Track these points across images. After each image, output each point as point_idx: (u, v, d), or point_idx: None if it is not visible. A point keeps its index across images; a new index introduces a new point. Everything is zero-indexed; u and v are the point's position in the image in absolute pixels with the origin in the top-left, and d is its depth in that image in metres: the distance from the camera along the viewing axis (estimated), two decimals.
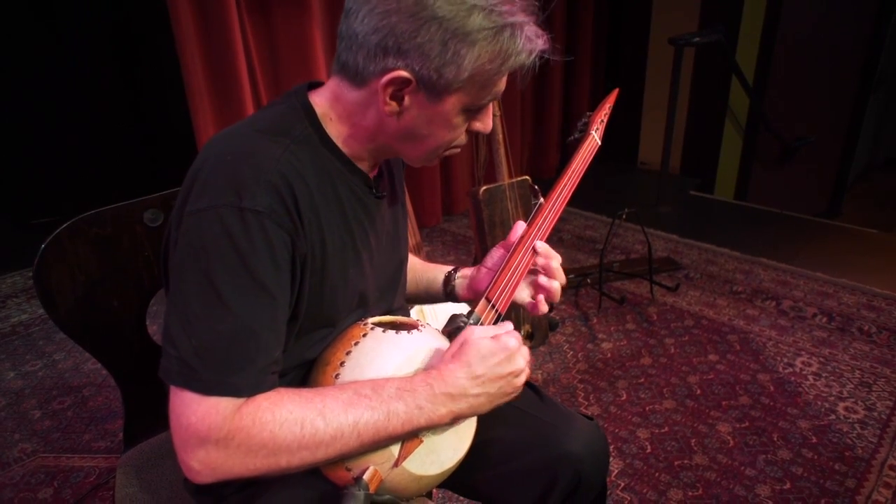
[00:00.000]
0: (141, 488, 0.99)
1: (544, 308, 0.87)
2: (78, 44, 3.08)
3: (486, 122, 0.78)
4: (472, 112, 0.75)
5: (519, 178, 1.94)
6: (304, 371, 0.80)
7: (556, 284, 0.86)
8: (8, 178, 3.11)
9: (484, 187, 1.87)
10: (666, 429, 1.74)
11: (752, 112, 3.45)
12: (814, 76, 3.33)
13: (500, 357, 0.72)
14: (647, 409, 1.82)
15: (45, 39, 2.99)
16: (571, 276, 2.51)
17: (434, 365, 0.74)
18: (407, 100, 0.70)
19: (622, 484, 1.56)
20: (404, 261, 0.96)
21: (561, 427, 0.87)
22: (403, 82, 0.68)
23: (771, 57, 3.33)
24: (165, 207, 1.06)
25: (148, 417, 1.12)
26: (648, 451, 1.66)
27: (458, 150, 0.80)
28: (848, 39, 3.26)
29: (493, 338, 0.74)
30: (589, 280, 2.47)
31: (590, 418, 0.91)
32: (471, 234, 3.01)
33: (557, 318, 2.27)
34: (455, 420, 0.72)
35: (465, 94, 0.71)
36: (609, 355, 2.07)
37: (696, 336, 2.16)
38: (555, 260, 0.87)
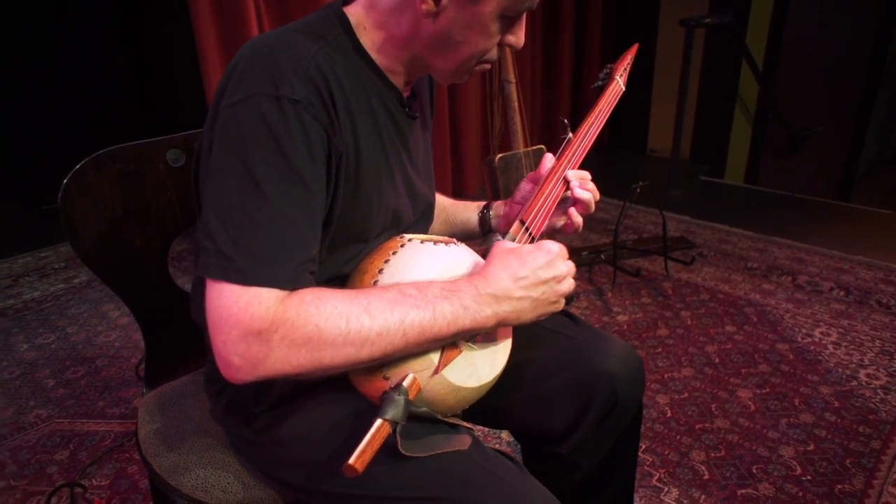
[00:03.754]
0: (164, 424, 0.97)
1: (579, 221, 0.85)
2: (89, 29, 3.10)
3: (520, 37, 0.77)
4: (507, 20, 0.73)
5: (534, 147, 1.94)
6: (339, 285, 0.79)
7: (589, 195, 0.85)
8: (18, 164, 3.12)
9: (500, 155, 1.87)
10: (685, 395, 1.72)
11: (761, 99, 3.44)
12: (822, 66, 3.32)
13: (541, 260, 0.71)
14: (666, 376, 1.80)
15: (56, 25, 3.00)
16: (585, 253, 2.49)
17: (475, 272, 0.73)
18: None
19: (644, 446, 1.53)
20: (434, 192, 0.95)
21: (596, 347, 0.85)
22: None
23: (780, 44, 3.33)
24: (188, 148, 1.05)
25: (169, 360, 1.11)
26: (669, 415, 1.64)
27: (488, 66, 0.79)
28: (857, 31, 3.25)
29: (535, 245, 0.73)
30: (603, 256, 2.46)
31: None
32: None
33: (572, 292, 2.26)
34: (500, 324, 0.71)
35: None
36: (625, 327, 2.05)
37: (713, 309, 2.14)
38: (587, 179, 0.86)
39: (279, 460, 0.80)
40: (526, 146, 1.92)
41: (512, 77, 1.88)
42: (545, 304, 0.72)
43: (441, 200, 1.04)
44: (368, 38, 0.75)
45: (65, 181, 0.95)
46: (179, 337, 1.11)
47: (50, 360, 1.94)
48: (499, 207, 0.98)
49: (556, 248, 0.73)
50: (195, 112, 2.16)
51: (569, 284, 0.74)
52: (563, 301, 0.74)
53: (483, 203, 1.01)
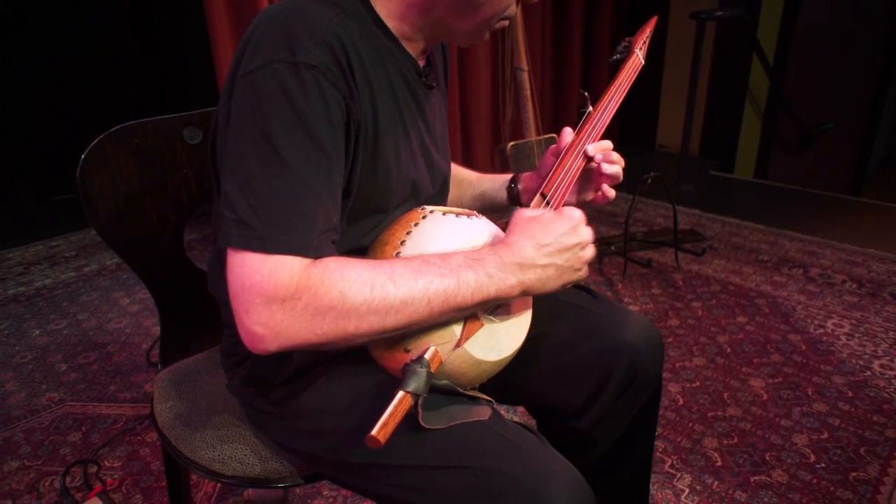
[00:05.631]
0: (180, 399, 0.97)
1: (611, 194, 0.87)
2: (99, 17, 3.11)
3: None
4: None
5: (546, 136, 1.93)
6: (359, 256, 0.78)
7: (617, 168, 0.84)
8: (29, 154, 3.13)
9: (511, 143, 1.86)
10: (697, 383, 1.71)
11: (771, 95, 3.42)
12: (834, 61, 3.30)
13: (565, 227, 0.71)
14: (678, 365, 1.79)
15: (64, 14, 3.01)
16: (594, 243, 2.48)
17: (497, 241, 0.72)
18: None
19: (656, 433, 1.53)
20: (450, 166, 0.95)
21: (615, 319, 0.85)
22: None
23: (791, 38, 3.30)
24: (204, 126, 1.06)
25: (183, 336, 1.11)
26: (681, 403, 1.64)
27: (507, 22, 0.79)
28: (868, 27, 3.22)
29: (556, 210, 0.72)
30: (613, 248, 2.45)
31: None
32: None
33: (581, 282, 2.25)
34: (524, 293, 0.70)
35: None
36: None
37: (724, 300, 2.13)
38: (610, 150, 0.86)
39: (298, 432, 0.80)
40: (538, 134, 1.91)
41: (524, 65, 1.87)
42: (570, 271, 0.72)
43: (466, 174, 1.03)
44: (385, 6, 0.75)
45: (83, 155, 0.95)
46: (193, 313, 1.11)
47: (62, 346, 1.95)
48: (527, 180, 0.97)
49: (578, 214, 0.72)
50: (206, 96, 2.17)
51: (591, 250, 0.73)
52: (587, 269, 0.73)
53: (510, 176, 1.00)
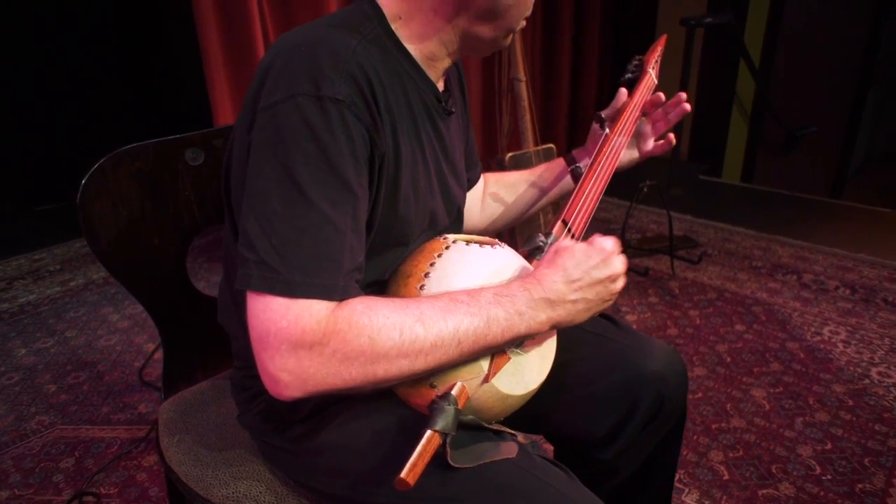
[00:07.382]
0: (188, 432, 0.94)
1: (673, 139, 0.98)
2: (87, 28, 3.04)
3: None
4: None
5: (544, 147, 1.92)
6: (378, 291, 0.76)
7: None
8: (12, 164, 3.05)
9: (510, 154, 1.85)
10: (700, 394, 1.71)
11: (757, 99, 3.45)
12: (817, 65, 3.34)
13: (596, 260, 0.68)
14: None
15: (53, 26, 2.94)
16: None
17: (526, 275, 0.70)
18: None
19: None
20: (465, 195, 0.93)
21: (640, 349, 0.83)
22: None
23: (776, 44, 3.34)
24: (206, 146, 1.03)
25: (187, 364, 1.08)
26: None
27: (524, 23, 0.78)
28: (849, 32, 3.27)
29: (588, 242, 0.70)
30: None
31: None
32: None
33: None
34: (553, 328, 0.68)
35: None
36: (634, 327, 2.04)
37: (721, 308, 2.14)
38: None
39: (316, 470, 0.77)
40: (535, 145, 1.90)
41: (522, 75, 1.86)
42: (598, 303, 0.70)
43: (513, 176, 1.04)
44: (406, 29, 0.73)
45: (83, 180, 0.92)
46: (197, 340, 1.07)
47: (50, 366, 1.89)
48: (582, 156, 0.99)
49: (610, 245, 0.70)
50: (199, 112, 2.12)
51: (622, 281, 0.72)
52: (614, 298, 0.72)
53: (563, 160, 1.01)
